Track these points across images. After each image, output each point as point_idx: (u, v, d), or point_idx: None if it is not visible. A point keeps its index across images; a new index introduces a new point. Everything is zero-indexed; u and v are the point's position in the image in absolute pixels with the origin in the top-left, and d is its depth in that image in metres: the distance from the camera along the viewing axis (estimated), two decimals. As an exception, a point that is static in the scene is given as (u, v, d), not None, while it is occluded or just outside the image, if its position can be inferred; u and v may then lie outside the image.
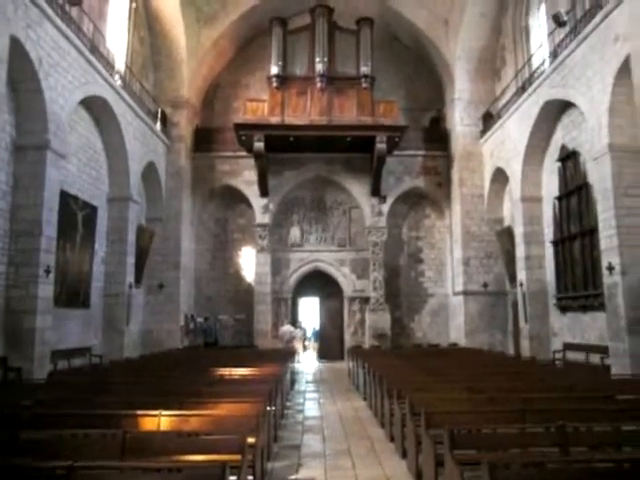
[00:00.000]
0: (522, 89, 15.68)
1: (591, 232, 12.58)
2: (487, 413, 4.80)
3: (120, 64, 15.62)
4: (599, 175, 11.48)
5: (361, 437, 7.07)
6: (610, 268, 10.74)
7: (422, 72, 21.20)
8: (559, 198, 14.17)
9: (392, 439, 6.66)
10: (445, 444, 4.03)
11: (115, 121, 14.51)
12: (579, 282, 13.27)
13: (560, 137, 14.42)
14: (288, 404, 9.97)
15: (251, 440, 4.70)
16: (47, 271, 10.60)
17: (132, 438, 3.94)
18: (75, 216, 13.01)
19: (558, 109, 14.16)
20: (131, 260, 15.46)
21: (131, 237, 15.45)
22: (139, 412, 4.68)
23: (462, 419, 4.70)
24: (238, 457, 4.03)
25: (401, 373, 8.62)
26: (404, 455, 5.86)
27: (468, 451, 4.12)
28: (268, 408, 6.31)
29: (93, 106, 13.74)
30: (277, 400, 7.70)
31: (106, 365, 11.06)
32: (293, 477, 5.35)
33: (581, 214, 13.15)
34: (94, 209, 14.07)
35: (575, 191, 13.42)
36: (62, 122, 11.22)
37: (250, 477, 4.52)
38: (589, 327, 13.06)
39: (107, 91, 13.70)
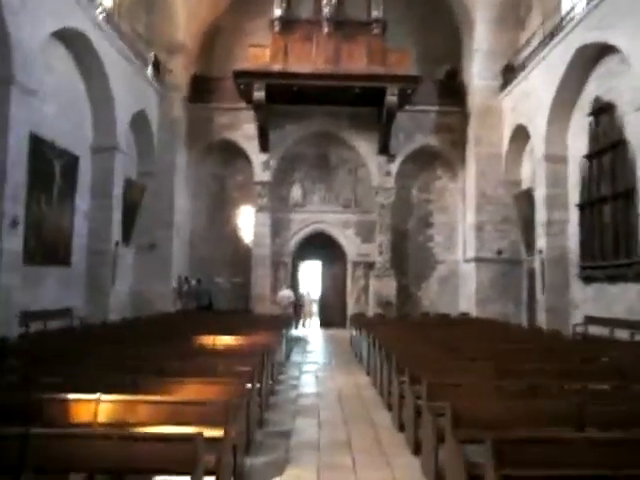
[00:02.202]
0: (551, 35, 14.07)
1: (626, 194, 11.26)
2: (535, 413, 3.60)
3: (106, -1, 14.08)
4: (641, 128, 10.07)
5: (364, 423, 5.95)
6: (651, 233, 9.45)
7: (437, 20, 19.39)
8: (588, 157, 12.75)
9: (401, 428, 5.54)
10: (487, 457, 2.86)
11: (98, 61, 13.06)
12: (608, 250, 12.00)
13: (593, 89, 12.90)
14: (281, 377, 8.88)
15: (218, 433, 3.58)
16: (14, 222, 9.41)
17: (39, 438, 2.78)
18: (51, 164, 11.75)
19: (592, 56, 12.61)
20: (117, 216, 14.25)
21: (117, 191, 14.20)
22: (71, 397, 3.53)
23: (500, 419, 3.52)
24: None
25: (411, 347, 7.48)
26: (417, 451, 4.75)
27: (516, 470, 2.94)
28: (251, 386, 5.19)
29: (73, 43, 12.29)
30: (266, 375, 6.59)
31: (78, 328, 9.96)
32: None
33: (614, 174, 11.77)
34: (75, 158, 12.78)
35: (609, 148, 11.99)
36: (31, 54, 9.82)
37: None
38: (617, 299, 11.84)
39: (87, 25, 12.20)
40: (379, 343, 7.78)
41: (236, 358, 6.13)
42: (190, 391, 4.23)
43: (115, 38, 13.76)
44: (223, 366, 5.35)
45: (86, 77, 13.14)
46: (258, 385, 5.91)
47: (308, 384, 8.39)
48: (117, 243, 14.17)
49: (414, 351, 7.01)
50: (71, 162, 12.59)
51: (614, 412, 3.56)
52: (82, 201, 13.27)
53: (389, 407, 6.56)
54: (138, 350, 5.94)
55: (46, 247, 11.52)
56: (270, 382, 7.37)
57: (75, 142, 12.79)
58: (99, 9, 12.91)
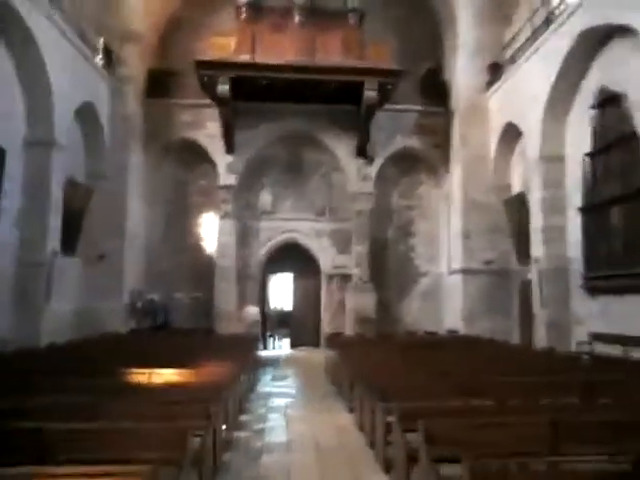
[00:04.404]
0: (547, 22, 12.78)
1: (638, 194, 9.89)
2: None
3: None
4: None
5: (354, 499, 4.21)
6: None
7: (417, 14, 18.05)
8: (592, 154, 11.39)
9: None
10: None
11: (31, 40, 11.12)
12: (617, 258, 10.57)
13: (595, 79, 11.58)
14: (243, 418, 7.04)
15: None
16: None
17: None
18: (-33, 158, 9.75)
19: (596, 43, 11.31)
20: (55, 222, 12.22)
21: (55, 192, 12.19)
22: None
23: None
24: None
25: (407, 382, 5.79)
26: None
27: None
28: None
29: (-4, 14, 10.37)
30: (217, 427, 4.78)
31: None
32: None
33: (624, 172, 10.40)
34: (0, 152, 10.78)
35: (616, 144, 10.65)
36: None
37: None
38: (629, 314, 10.36)
39: (14, -6, 10.30)
40: (367, 376, 6.04)
41: (177, 405, 4.33)
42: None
43: (55, 16, 11.87)
44: (150, 424, 3.54)
45: (15, 57, 11.17)
46: (205, 439, 4.12)
47: (276, 428, 6.56)
48: (55, 253, 12.12)
49: (411, 388, 5.34)
50: (-5, 156, 10.59)
51: None
52: (10, 203, 11.23)
53: (386, 466, 4.81)
54: (21, 402, 4.05)
55: (-42, 257, 9.47)
56: (224, 431, 5.54)
57: (1, 133, 10.79)
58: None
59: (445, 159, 17.13)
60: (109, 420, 3.73)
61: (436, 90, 17.49)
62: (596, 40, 11.20)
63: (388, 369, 6.70)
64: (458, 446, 3.48)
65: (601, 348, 11.07)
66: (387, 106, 16.29)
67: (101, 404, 3.95)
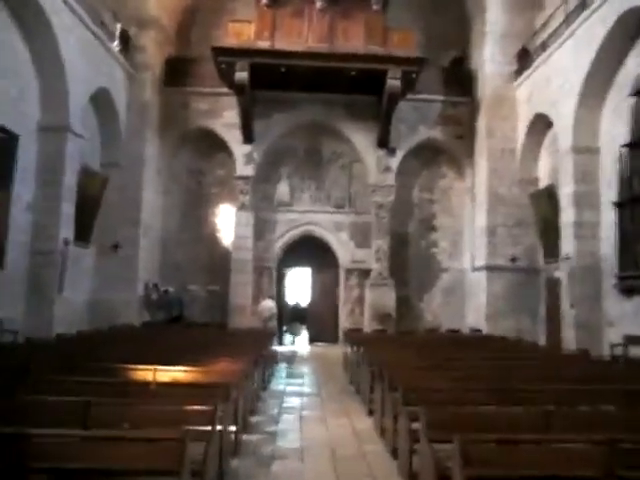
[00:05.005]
0: (582, 6, 12.07)
1: (682, 188, 9.24)
2: None
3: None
4: None
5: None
6: None
7: (442, 3, 17.42)
8: (629, 145, 10.71)
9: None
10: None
11: (45, 22, 10.82)
12: (656, 256, 9.95)
13: (634, 66, 10.90)
14: (254, 420, 6.62)
15: None
16: None
17: None
18: (-22, 142, 9.48)
19: (635, 26, 10.62)
20: (68, 209, 11.94)
21: (69, 179, 11.91)
22: None
23: None
24: None
25: (432, 384, 5.32)
26: None
27: None
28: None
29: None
30: (224, 430, 4.37)
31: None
32: None
33: (666, 164, 9.75)
34: (13, 137, 10.48)
35: (657, 134, 9.99)
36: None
37: None
38: (667, 316, 9.77)
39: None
40: (389, 378, 5.57)
41: (181, 406, 3.93)
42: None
43: (69, -1, 11.56)
44: (147, 428, 3.14)
45: (30, 39, 10.88)
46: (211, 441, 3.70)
47: (289, 431, 6.12)
48: (67, 242, 11.85)
49: (440, 390, 4.87)
50: (8, 142, 10.31)
51: None
52: (24, 190, 10.98)
53: (410, 480, 4.35)
54: (6, 401, 3.67)
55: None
56: (233, 432, 5.13)
57: (14, 118, 10.49)
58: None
59: (469, 151, 16.51)
60: (102, 424, 3.33)
61: (461, 79, 16.88)
62: (635, 24, 10.51)
63: (411, 369, 6.22)
64: (498, 465, 3.01)
65: (635, 351, 10.43)
66: (409, 96, 15.73)
67: (94, 406, 3.55)
